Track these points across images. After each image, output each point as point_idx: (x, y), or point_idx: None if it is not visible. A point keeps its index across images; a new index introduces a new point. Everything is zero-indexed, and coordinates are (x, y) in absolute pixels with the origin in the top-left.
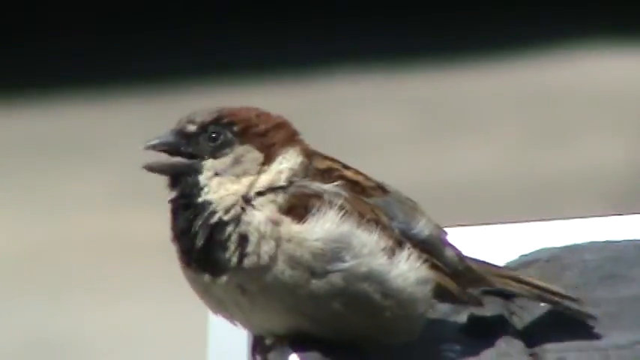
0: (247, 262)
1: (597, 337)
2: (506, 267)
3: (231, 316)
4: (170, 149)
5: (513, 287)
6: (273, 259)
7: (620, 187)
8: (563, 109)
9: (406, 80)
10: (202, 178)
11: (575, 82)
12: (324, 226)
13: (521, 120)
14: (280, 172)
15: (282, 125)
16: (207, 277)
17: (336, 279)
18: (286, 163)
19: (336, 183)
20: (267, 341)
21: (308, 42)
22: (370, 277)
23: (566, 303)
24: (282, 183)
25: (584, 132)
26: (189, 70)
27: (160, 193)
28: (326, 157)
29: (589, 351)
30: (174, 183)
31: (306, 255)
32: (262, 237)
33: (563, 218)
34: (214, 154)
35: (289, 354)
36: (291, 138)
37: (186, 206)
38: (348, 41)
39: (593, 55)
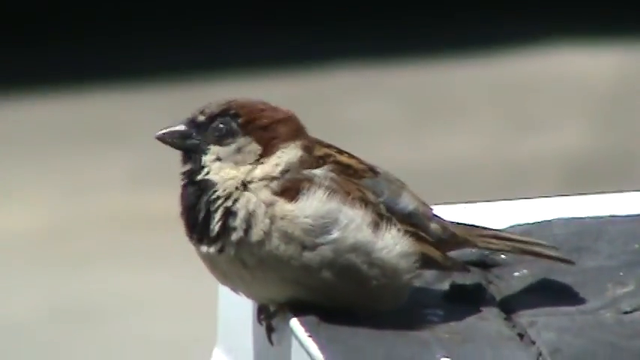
0: (245, 238)
1: (565, 303)
2: (485, 227)
3: (235, 288)
4: (180, 136)
5: (496, 245)
6: (268, 235)
7: (584, 169)
8: (534, 98)
9: (395, 73)
10: (205, 160)
11: (545, 74)
12: (312, 204)
13: (497, 109)
14: (277, 164)
15: (286, 120)
16: (212, 251)
17: (325, 251)
18: (285, 157)
19: (328, 167)
20: (271, 308)
21: (307, 39)
22: (356, 248)
23: (546, 252)
24: (276, 174)
25: (554, 119)
26: (204, 62)
27: (175, 174)
28: (324, 145)
29: (557, 315)
30: (185, 159)
31: (297, 231)
32: (258, 216)
33: (534, 197)
34: (219, 142)
35: (290, 318)
36: (295, 133)
37: (191, 184)
38: (343, 38)
39: (561, 50)
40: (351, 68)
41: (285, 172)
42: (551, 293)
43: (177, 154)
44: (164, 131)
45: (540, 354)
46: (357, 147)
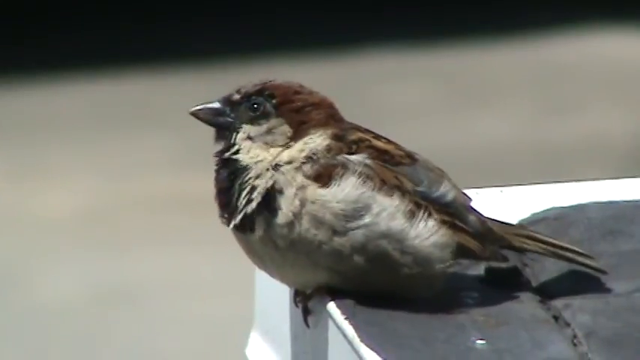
0: (275, 220)
1: (600, 286)
2: (522, 226)
3: (269, 271)
4: (213, 113)
5: (530, 245)
6: (297, 218)
7: (621, 153)
8: (572, 82)
9: (433, 56)
10: (236, 138)
11: (583, 57)
12: (344, 190)
13: (534, 92)
14: (301, 150)
15: (320, 105)
16: (244, 232)
17: (356, 237)
18: (311, 143)
19: (363, 153)
20: (308, 290)
21: (346, 23)
22: (388, 235)
23: (580, 259)
24: (301, 159)
25: (591, 104)
26: (242, 46)
27: (211, 158)
28: (359, 129)
29: (592, 298)
30: (217, 137)
31: (328, 215)
32: (288, 198)
33: (570, 181)
34: (252, 122)
35: (327, 301)
36: (327, 119)
37: (223, 165)
38: (381, 22)
39: (599, 33)
40: (388, 52)
41: (310, 157)
42: (585, 276)
43: None
44: (199, 107)
45: (575, 336)
46: (394, 130)
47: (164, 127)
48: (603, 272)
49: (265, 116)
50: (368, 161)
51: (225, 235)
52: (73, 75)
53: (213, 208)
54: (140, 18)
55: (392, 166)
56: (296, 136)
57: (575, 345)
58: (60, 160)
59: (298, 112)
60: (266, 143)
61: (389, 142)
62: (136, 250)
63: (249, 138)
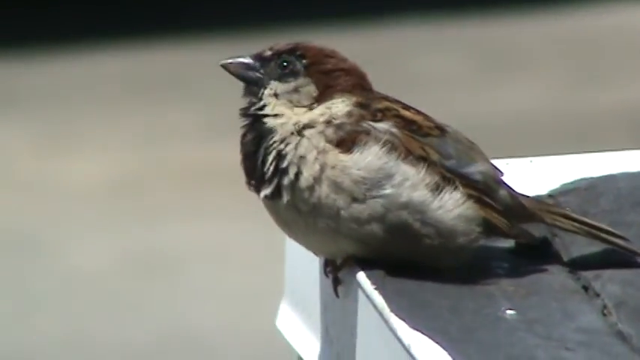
0: (296, 183)
1: (629, 257)
2: (556, 204)
3: (297, 238)
4: (244, 67)
5: (563, 224)
6: (318, 181)
7: None
8: (602, 52)
9: (462, 26)
10: (263, 93)
11: (612, 28)
12: (366, 158)
13: (564, 62)
14: (322, 114)
15: (350, 72)
16: (268, 196)
17: (375, 204)
18: (333, 108)
19: (389, 121)
20: (338, 260)
21: None
22: (409, 206)
23: (614, 239)
24: (322, 124)
25: (620, 73)
26: (270, 17)
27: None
28: (387, 99)
29: (622, 268)
30: (245, 92)
31: (347, 181)
32: (308, 162)
33: (600, 151)
34: (280, 79)
35: (357, 271)
36: (354, 87)
37: (249, 123)
38: None
39: (629, 4)
40: (418, 22)
41: (331, 122)
42: (615, 246)
43: None
44: (229, 60)
45: (605, 306)
46: (423, 100)
47: (193, 97)
48: (637, 254)
49: (294, 75)
50: (394, 129)
51: (255, 204)
52: (102, 45)
53: (242, 178)
54: None
55: (419, 137)
56: (320, 99)
57: (604, 315)
58: (88, 130)
59: (327, 74)
60: (290, 101)
61: (418, 112)
62: (165, 220)
63: (275, 95)
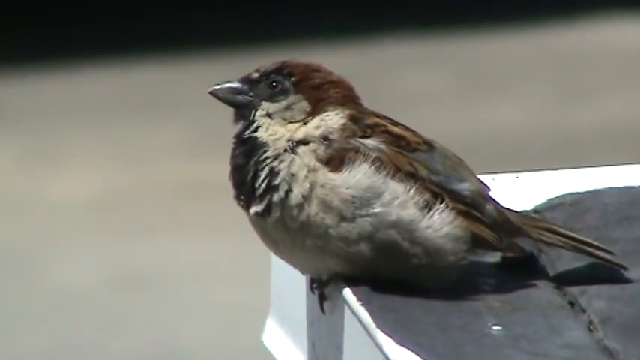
0: (286, 201)
1: (615, 272)
2: (542, 219)
3: (283, 256)
4: (232, 92)
5: (549, 238)
6: (307, 200)
7: (635, 139)
8: (586, 69)
9: (446, 43)
10: (256, 115)
11: (593, 44)
12: (356, 177)
13: (549, 79)
14: (317, 127)
15: (338, 84)
16: (256, 212)
17: (364, 224)
18: (328, 121)
19: (378, 138)
20: (324, 276)
21: (358, 11)
22: (398, 225)
23: (600, 253)
24: (314, 138)
25: (606, 90)
26: (256, 33)
27: (227, 143)
28: (376, 115)
29: (608, 284)
30: (236, 118)
31: (336, 201)
32: (298, 179)
33: (586, 166)
34: (270, 99)
35: (343, 287)
36: (345, 99)
37: (241, 143)
38: (393, 9)
39: (609, 20)
40: (404, 39)
41: (325, 138)
42: (601, 263)
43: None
44: (217, 86)
45: (591, 322)
46: (408, 117)
47: (177, 114)
48: (623, 267)
49: (284, 93)
50: (382, 146)
51: (239, 220)
52: (87, 62)
53: (228, 194)
54: (153, 5)
55: (408, 152)
56: (314, 113)
57: (591, 331)
58: (74, 146)
59: (317, 88)
60: (284, 119)
61: (407, 129)
62: (150, 236)
63: (268, 115)
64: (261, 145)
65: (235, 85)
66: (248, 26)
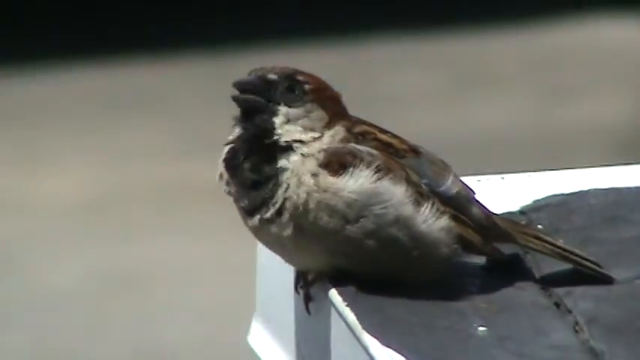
0: (289, 206)
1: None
2: (530, 225)
3: (281, 255)
4: (254, 90)
5: (535, 245)
6: (311, 204)
7: (621, 139)
8: (573, 68)
9: (432, 43)
10: (276, 121)
11: (581, 43)
12: (358, 181)
13: (535, 78)
14: (330, 142)
15: (338, 97)
16: (262, 218)
17: (367, 224)
18: (336, 135)
19: (370, 144)
20: (310, 277)
21: (345, 10)
22: (398, 222)
23: (586, 264)
24: (324, 148)
25: (592, 90)
26: (243, 33)
27: (219, 143)
28: (364, 123)
29: (594, 285)
30: (246, 119)
31: (340, 204)
32: (303, 185)
33: (572, 167)
34: (289, 104)
35: (328, 288)
36: (345, 112)
37: (257, 147)
38: (380, 9)
39: (597, 19)
40: (390, 39)
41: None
42: (587, 270)
43: (221, 123)
44: (241, 80)
45: (577, 323)
46: (395, 118)
47: (163, 116)
48: (609, 280)
49: (301, 99)
50: (375, 152)
51: (229, 222)
52: (74, 62)
53: (215, 194)
54: (140, 3)
55: (397, 158)
56: (329, 124)
57: (576, 332)
58: (61, 147)
59: (332, 100)
60: (304, 127)
61: (394, 136)
62: (137, 237)
63: (288, 121)
64: (281, 152)
65: (256, 82)
66: (233, 26)
